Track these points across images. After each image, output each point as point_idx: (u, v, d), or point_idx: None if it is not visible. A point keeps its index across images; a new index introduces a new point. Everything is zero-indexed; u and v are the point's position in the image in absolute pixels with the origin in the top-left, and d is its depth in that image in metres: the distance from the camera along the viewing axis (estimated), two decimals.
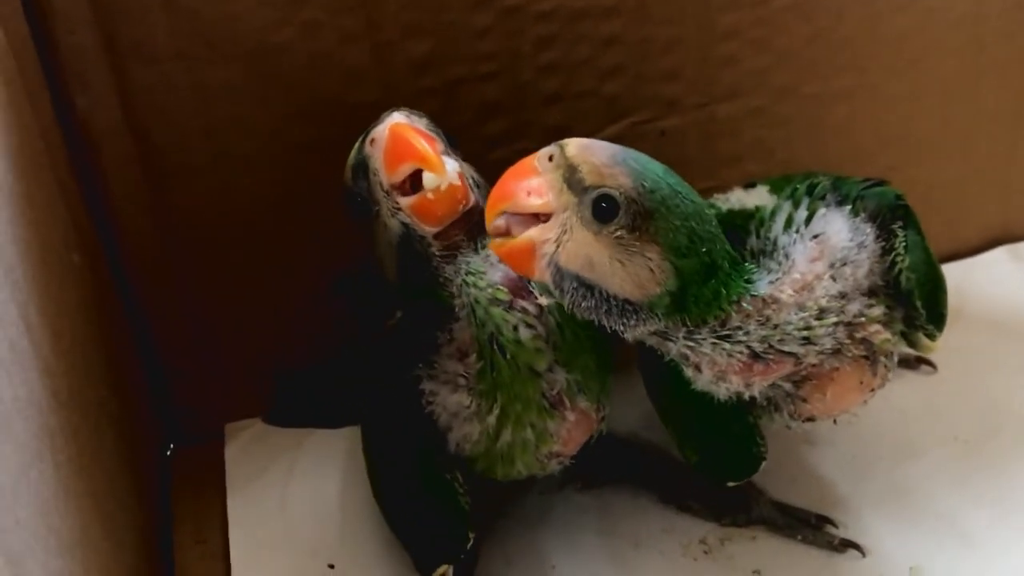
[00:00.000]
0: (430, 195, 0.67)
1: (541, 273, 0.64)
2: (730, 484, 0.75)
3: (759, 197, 0.73)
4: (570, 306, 0.64)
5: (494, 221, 0.64)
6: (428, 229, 0.68)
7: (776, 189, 0.73)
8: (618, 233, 0.61)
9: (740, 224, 0.71)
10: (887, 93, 0.91)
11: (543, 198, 0.63)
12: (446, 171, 0.67)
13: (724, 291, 0.63)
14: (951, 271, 0.80)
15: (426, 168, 0.67)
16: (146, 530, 0.80)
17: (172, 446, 0.92)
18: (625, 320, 0.64)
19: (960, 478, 0.82)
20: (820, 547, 0.79)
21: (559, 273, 0.63)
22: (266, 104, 0.80)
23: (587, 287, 0.63)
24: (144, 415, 0.87)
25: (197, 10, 0.75)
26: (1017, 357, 0.91)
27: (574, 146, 0.63)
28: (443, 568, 0.73)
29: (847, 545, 0.78)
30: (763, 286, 0.65)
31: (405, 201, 0.68)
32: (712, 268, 0.63)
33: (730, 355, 0.66)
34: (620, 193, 0.61)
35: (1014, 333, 0.93)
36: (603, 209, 0.61)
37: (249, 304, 0.87)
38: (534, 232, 0.63)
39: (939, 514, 0.80)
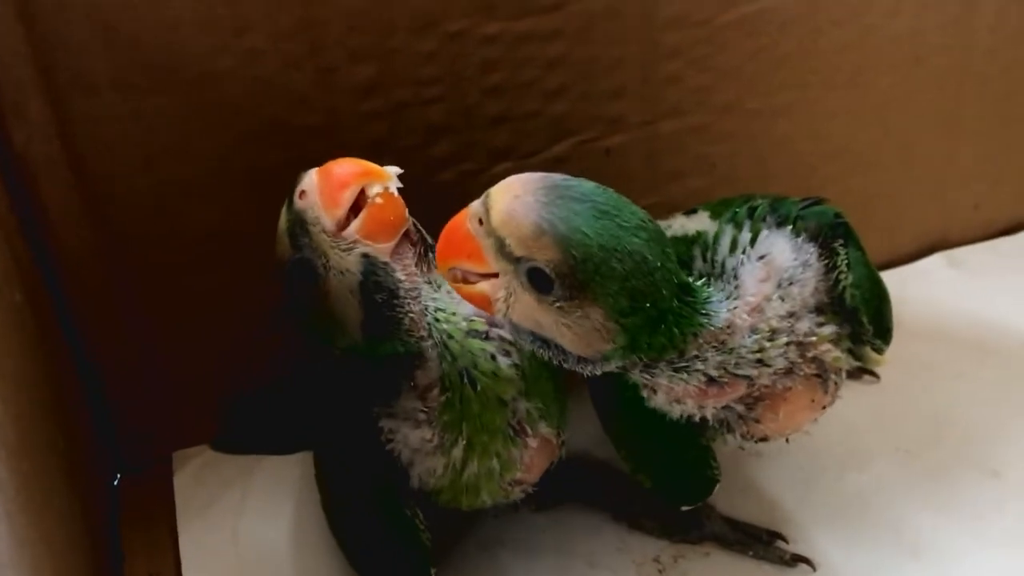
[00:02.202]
0: (379, 200, 0.66)
1: (499, 320, 0.64)
2: (684, 508, 0.76)
3: (700, 223, 0.73)
4: (533, 351, 0.65)
5: (448, 272, 0.65)
6: (385, 247, 0.67)
7: (716, 214, 0.73)
8: (558, 304, 0.61)
9: (683, 250, 0.71)
10: (827, 107, 0.92)
11: (482, 262, 0.63)
12: (387, 172, 0.66)
13: (676, 331, 0.63)
14: (889, 279, 0.82)
15: (369, 179, 0.66)
16: (99, 568, 0.79)
17: (119, 476, 0.90)
18: (583, 366, 0.64)
19: (906, 488, 0.84)
20: (772, 562, 0.80)
21: (514, 327, 0.64)
22: (209, 131, 0.78)
23: (542, 340, 0.63)
24: (90, 447, 0.86)
25: (137, 39, 0.74)
26: (956, 364, 0.93)
27: (497, 215, 0.61)
28: None
29: (798, 560, 0.79)
30: (722, 316, 0.65)
31: (354, 226, 0.66)
32: (660, 315, 0.62)
33: (687, 382, 0.66)
34: (550, 269, 0.60)
35: (953, 340, 0.95)
36: (538, 281, 0.61)
37: (195, 331, 0.86)
38: (486, 287, 0.63)
39: (887, 525, 0.81)
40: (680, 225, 0.74)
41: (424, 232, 0.70)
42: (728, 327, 0.65)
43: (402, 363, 0.69)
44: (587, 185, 0.61)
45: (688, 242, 0.72)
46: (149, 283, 0.83)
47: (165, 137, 0.78)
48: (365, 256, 0.66)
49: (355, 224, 0.66)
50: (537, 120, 0.85)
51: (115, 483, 0.90)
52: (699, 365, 0.66)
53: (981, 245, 1.05)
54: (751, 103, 0.90)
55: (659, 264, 0.61)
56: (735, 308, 0.66)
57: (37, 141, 0.75)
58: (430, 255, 0.69)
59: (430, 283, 0.70)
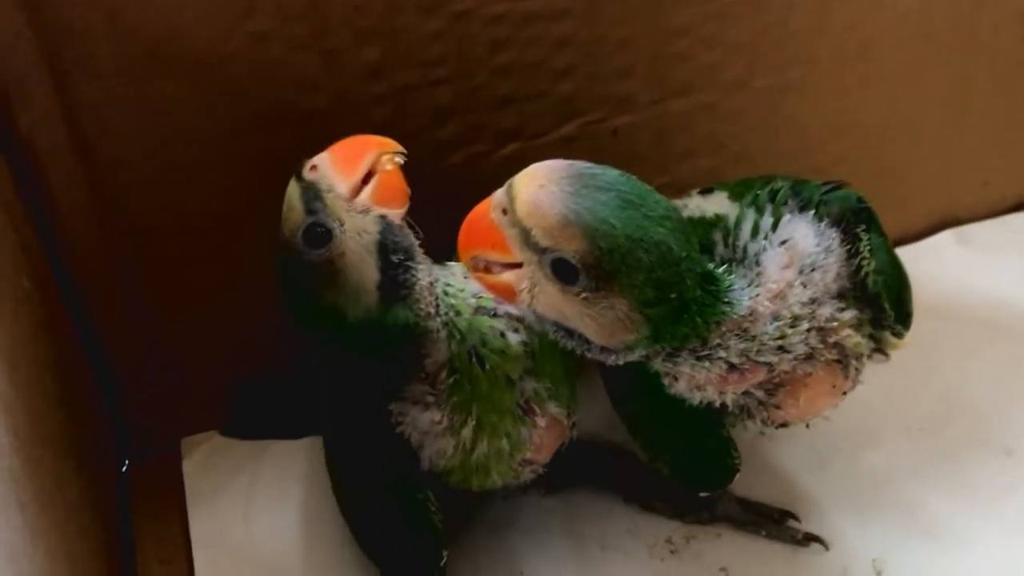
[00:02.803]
0: (388, 166, 0.66)
1: (523, 310, 0.64)
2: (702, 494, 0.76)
3: (718, 204, 0.73)
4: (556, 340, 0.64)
5: (469, 262, 0.64)
6: (397, 213, 0.67)
7: (735, 195, 0.72)
8: (583, 295, 0.60)
9: (702, 234, 0.70)
10: (836, 83, 0.92)
11: (507, 252, 0.62)
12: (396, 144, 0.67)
13: (700, 320, 0.62)
14: (899, 256, 0.81)
15: (381, 148, 0.67)
16: (110, 556, 0.78)
17: (127, 462, 0.90)
18: (606, 356, 0.64)
19: (918, 467, 0.84)
20: (784, 542, 0.80)
21: (538, 317, 0.63)
22: (215, 115, 0.77)
23: (567, 330, 0.63)
24: (99, 434, 0.85)
25: (141, 23, 0.73)
26: (966, 342, 0.93)
27: (523, 205, 0.60)
28: None
29: (810, 539, 0.79)
30: (744, 304, 0.64)
31: (368, 191, 0.66)
32: (684, 305, 0.61)
33: (709, 370, 0.66)
34: (576, 259, 0.59)
35: (962, 318, 0.94)
36: (563, 272, 0.60)
37: (203, 317, 0.85)
38: (510, 276, 0.63)
39: (899, 504, 0.81)
40: (696, 205, 0.74)
41: (415, 225, 0.69)
42: (750, 314, 0.65)
43: (411, 347, 0.68)
44: (611, 173, 0.60)
45: (707, 225, 0.71)
46: (157, 270, 0.82)
47: (171, 122, 0.77)
48: (382, 217, 0.66)
49: (368, 190, 0.66)
50: (545, 101, 0.84)
51: (123, 470, 0.90)
52: (721, 353, 0.65)
53: (990, 222, 1.04)
54: (760, 80, 0.89)
55: (684, 254, 0.60)
56: (757, 295, 0.65)
57: (43, 127, 0.74)
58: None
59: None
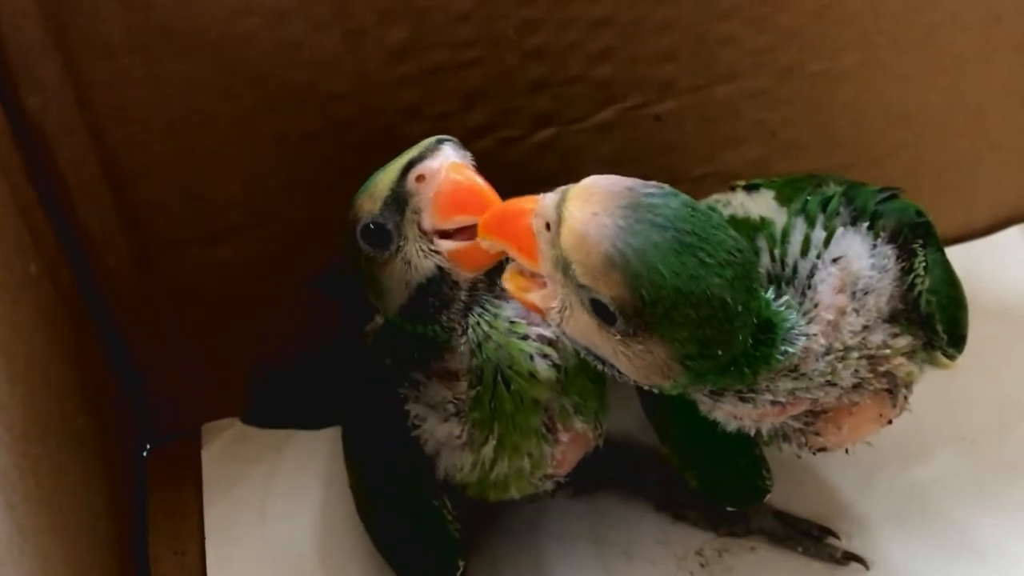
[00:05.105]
0: (484, 244, 0.61)
1: (551, 327, 0.60)
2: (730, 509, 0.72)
3: (764, 205, 0.67)
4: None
5: (485, 241, 0.60)
6: (466, 275, 0.64)
7: (783, 199, 0.67)
8: (618, 337, 0.55)
9: (746, 237, 0.65)
10: (897, 70, 0.86)
11: (533, 261, 0.57)
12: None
13: (748, 371, 0.57)
14: (962, 254, 0.76)
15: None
16: (121, 543, 0.77)
17: (148, 446, 0.88)
18: (637, 385, 0.59)
19: (971, 483, 0.79)
20: (822, 560, 0.76)
21: (568, 339, 0.59)
22: (232, 97, 0.74)
23: (596, 357, 0.58)
24: (117, 420, 0.83)
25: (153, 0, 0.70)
26: None
27: (569, 233, 0.54)
28: None
29: (850, 558, 0.75)
30: (799, 344, 0.59)
31: (447, 245, 0.63)
32: (732, 360, 0.56)
33: (753, 408, 0.61)
34: (615, 306, 0.53)
35: None
36: (600, 311, 0.54)
37: (223, 301, 0.83)
38: (537, 298, 0.58)
39: (948, 522, 0.77)
40: (740, 204, 0.68)
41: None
42: (804, 352, 0.59)
43: (429, 345, 0.66)
44: (673, 205, 0.54)
45: (751, 228, 0.66)
46: (172, 254, 0.80)
47: (186, 103, 0.74)
48: (440, 268, 0.63)
49: (452, 245, 0.63)
50: (581, 85, 0.80)
51: (144, 454, 0.88)
52: (767, 395, 0.61)
53: None
54: (813, 66, 0.83)
55: (739, 309, 0.54)
56: (815, 335, 0.60)
57: (53, 107, 0.72)
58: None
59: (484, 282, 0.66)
